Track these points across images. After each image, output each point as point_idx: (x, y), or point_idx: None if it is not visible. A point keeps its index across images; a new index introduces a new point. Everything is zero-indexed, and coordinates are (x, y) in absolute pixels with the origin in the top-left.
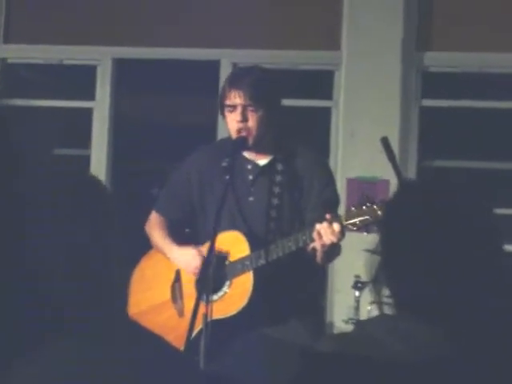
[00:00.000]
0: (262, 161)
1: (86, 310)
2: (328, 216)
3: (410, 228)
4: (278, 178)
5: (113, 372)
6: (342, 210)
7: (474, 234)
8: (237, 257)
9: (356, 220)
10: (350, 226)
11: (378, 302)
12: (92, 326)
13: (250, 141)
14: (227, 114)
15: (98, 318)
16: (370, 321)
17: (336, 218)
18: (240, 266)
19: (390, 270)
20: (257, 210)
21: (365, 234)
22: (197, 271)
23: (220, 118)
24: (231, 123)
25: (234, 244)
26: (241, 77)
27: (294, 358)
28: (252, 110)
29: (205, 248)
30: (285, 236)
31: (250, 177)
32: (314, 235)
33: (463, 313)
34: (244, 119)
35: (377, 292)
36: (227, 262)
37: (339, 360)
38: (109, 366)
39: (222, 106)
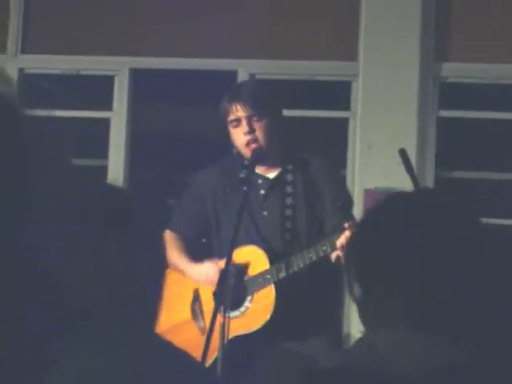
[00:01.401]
0: (272, 174)
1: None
2: (347, 224)
3: (400, 240)
4: (290, 189)
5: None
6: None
7: (466, 243)
8: (257, 271)
9: None
10: None
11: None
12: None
13: (258, 149)
14: (232, 130)
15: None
16: (373, 334)
17: (355, 224)
18: (261, 280)
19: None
20: (272, 224)
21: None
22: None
23: None
24: (238, 138)
25: (252, 258)
26: (239, 90)
27: (297, 373)
28: (256, 120)
29: (222, 262)
30: (302, 246)
31: (262, 191)
32: (338, 246)
33: (463, 323)
34: (251, 130)
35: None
36: (247, 277)
37: (342, 374)
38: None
39: (225, 123)
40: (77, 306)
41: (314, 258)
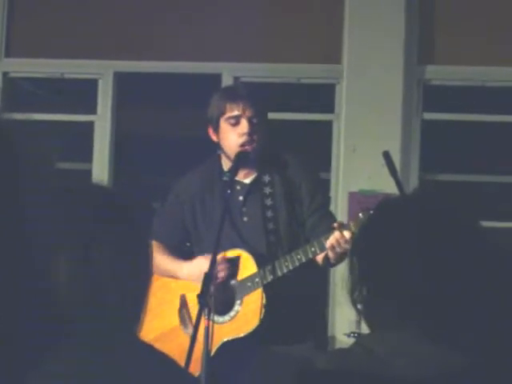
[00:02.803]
0: (249, 178)
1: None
2: (336, 224)
3: (396, 243)
4: (268, 190)
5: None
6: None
7: (463, 246)
8: (244, 275)
9: None
10: None
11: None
12: (97, 337)
13: (253, 154)
14: (227, 127)
15: (105, 329)
16: (369, 336)
17: (344, 225)
18: (250, 284)
19: (376, 286)
20: (253, 228)
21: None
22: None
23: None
24: (232, 136)
25: (239, 262)
26: (239, 91)
27: (291, 375)
28: (256, 122)
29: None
30: (285, 246)
31: (240, 197)
32: (328, 247)
33: (460, 326)
34: (252, 131)
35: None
36: (235, 282)
37: (337, 376)
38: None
39: (217, 121)
40: (64, 306)
41: (303, 259)
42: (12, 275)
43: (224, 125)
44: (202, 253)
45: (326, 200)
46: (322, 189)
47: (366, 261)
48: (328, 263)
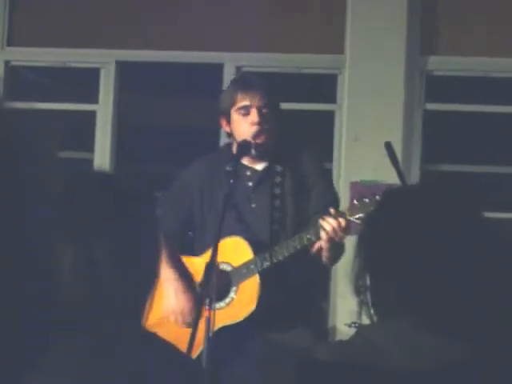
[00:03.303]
0: (260, 165)
1: (91, 309)
2: (332, 211)
3: (398, 234)
4: (278, 179)
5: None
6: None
7: (465, 237)
8: (240, 261)
9: (360, 214)
10: (354, 220)
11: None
12: (98, 327)
13: (263, 144)
14: (238, 118)
15: (105, 318)
16: (370, 327)
17: (340, 213)
18: (245, 271)
19: (377, 276)
20: (260, 215)
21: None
22: (180, 319)
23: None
24: (244, 127)
25: (235, 249)
26: (250, 81)
27: (293, 366)
28: (266, 112)
29: (207, 255)
30: (288, 237)
31: (250, 183)
32: (321, 232)
33: (461, 316)
34: (262, 120)
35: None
36: (231, 268)
37: (338, 367)
38: (114, 370)
39: (228, 111)
40: (66, 303)
41: (298, 246)
42: (11, 275)
43: (235, 115)
44: (204, 241)
45: (335, 201)
46: (332, 189)
47: (369, 249)
48: (325, 259)
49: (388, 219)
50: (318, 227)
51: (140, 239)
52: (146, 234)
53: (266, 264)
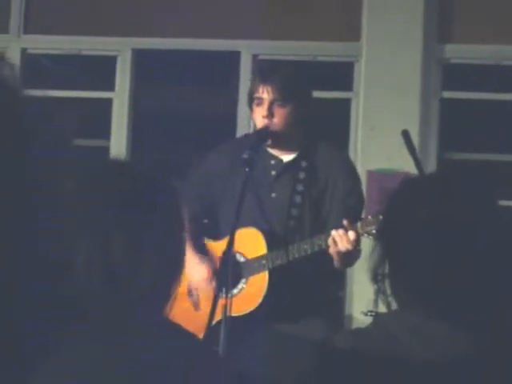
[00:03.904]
0: (287, 157)
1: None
2: (345, 222)
3: (415, 223)
4: (302, 176)
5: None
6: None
7: (479, 229)
8: (254, 255)
9: (372, 228)
10: (366, 234)
11: (384, 295)
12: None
13: (273, 136)
14: (255, 107)
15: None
16: (387, 316)
17: (353, 225)
18: (256, 265)
19: (396, 265)
20: (278, 207)
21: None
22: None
23: (240, 109)
24: (258, 118)
25: (251, 241)
26: (272, 71)
27: (311, 353)
28: (279, 105)
29: (223, 243)
30: (305, 236)
31: (273, 172)
32: (330, 242)
33: (475, 307)
34: (270, 115)
35: (382, 285)
36: (243, 260)
37: (355, 355)
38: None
39: (251, 99)
40: (78, 298)
41: (309, 251)
42: (13, 275)
43: (253, 104)
44: (223, 226)
45: (359, 203)
46: (358, 191)
47: (387, 238)
48: (336, 263)
49: (405, 209)
50: (329, 236)
51: (163, 227)
52: (170, 222)
53: (278, 262)
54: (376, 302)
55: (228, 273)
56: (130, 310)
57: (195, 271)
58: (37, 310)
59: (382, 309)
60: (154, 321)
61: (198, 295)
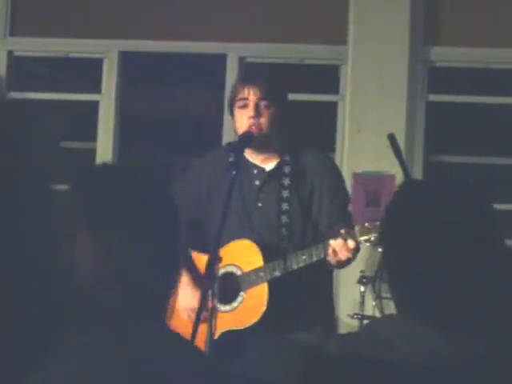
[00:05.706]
0: (269, 165)
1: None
2: (342, 231)
3: (412, 229)
4: (286, 182)
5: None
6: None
7: (477, 235)
8: (250, 267)
9: (370, 236)
10: (363, 242)
11: (379, 299)
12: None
13: (262, 136)
14: (238, 110)
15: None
16: (379, 321)
17: (351, 233)
18: (254, 278)
19: (392, 270)
20: (267, 216)
21: (379, 249)
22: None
23: (226, 111)
24: (241, 120)
25: (246, 254)
26: (254, 73)
27: (302, 357)
28: (265, 106)
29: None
30: (297, 242)
31: (257, 182)
32: (329, 252)
33: (470, 314)
34: (257, 114)
35: (377, 289)
36: (240, 273)
37: (347, 360)
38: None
39: (232, 104)
40: (78, 304)
41: (308, 261)
42: (12, 274)
43: (236, 108)
44: (208, 239)
45: (346, 201)
46: (343, 189)
47: (386, 245)
48: (330, 266)
49: (404, 215)
50: (327, 245)
51: (161, 230)
52: (168, 225)
53: (276, 274)
54: (362, 304)
55: (215, 278)
56: (130, 311)
57: (184, 294)
58: (30, 310)
59: (369, 311)
60: (154, 321)
61: (191, 316)
